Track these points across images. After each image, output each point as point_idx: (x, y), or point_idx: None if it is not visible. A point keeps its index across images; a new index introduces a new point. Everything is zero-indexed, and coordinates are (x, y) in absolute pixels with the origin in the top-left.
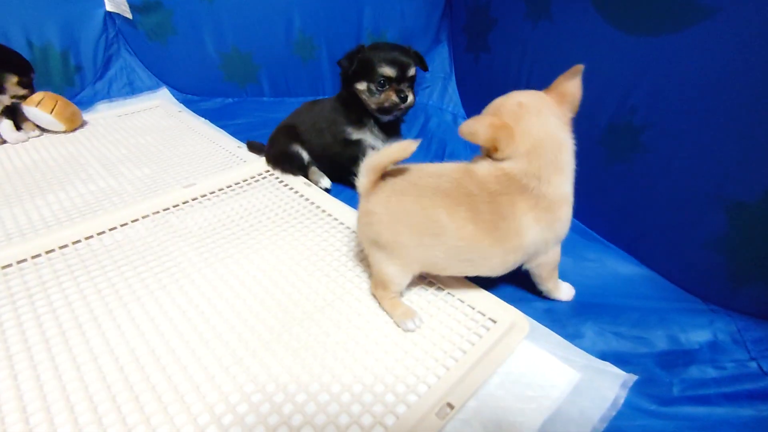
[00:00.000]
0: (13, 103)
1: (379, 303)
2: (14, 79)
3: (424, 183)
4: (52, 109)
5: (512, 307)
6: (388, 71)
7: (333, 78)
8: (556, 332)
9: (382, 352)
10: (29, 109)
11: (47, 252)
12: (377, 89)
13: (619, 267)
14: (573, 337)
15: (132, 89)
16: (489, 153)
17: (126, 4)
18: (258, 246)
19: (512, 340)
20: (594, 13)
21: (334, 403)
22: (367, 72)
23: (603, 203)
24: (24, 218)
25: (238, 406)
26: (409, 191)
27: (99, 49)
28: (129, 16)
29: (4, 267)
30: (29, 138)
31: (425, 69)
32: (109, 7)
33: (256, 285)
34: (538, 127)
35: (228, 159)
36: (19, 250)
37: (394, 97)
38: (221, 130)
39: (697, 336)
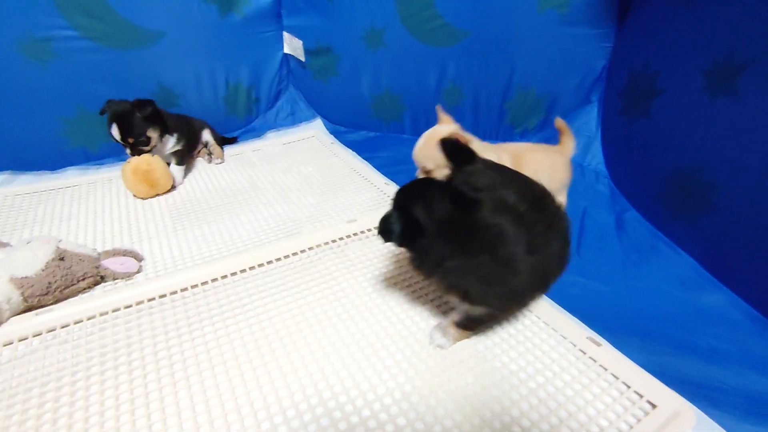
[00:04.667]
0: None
1: None
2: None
3: None
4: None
5: (674, 392)
6: None
7: (474, 124)
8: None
9: None
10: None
11: (242, 271)
12: None
13: None
14: None
15: (293, 119)
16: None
17: (301, 48)
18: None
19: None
20: None
21: None
22: None
23: None
24: (218, 237)
25: None
26: None
27: (273, 85)
28: (302, 58)
29: (205, 282)
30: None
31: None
32: (287, 50)
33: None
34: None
35: (378, 196)
36: (215, 269)
37: None
38: (368, 163)
39: None
